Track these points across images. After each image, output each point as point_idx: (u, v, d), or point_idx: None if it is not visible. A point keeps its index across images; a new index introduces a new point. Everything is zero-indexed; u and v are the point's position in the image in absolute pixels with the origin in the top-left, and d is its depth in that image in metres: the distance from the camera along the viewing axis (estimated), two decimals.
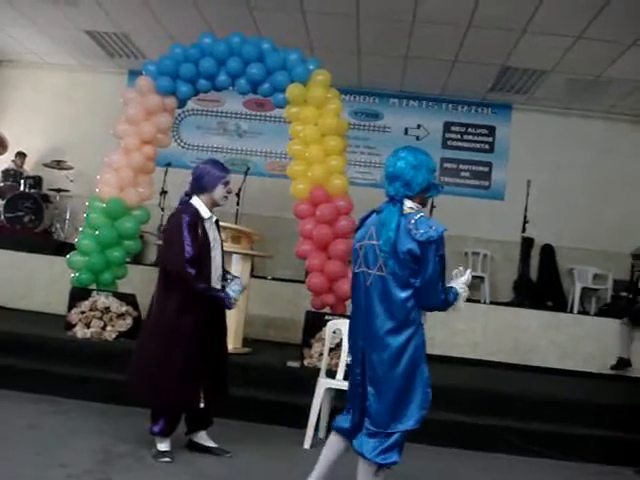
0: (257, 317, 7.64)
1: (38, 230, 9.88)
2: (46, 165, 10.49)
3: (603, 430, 5.59)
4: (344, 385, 4.59)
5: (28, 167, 10.75)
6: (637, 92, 9.77)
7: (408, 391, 3.18)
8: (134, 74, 9.89)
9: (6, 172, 10.30)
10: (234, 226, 6.83)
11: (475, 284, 9.73)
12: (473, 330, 8.00)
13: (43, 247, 9.14)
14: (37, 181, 10.32)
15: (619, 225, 10.07)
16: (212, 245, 4.33)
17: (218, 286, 4.33)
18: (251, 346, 6.85)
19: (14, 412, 4.89)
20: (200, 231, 4.23)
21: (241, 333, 6.69)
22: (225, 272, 4.51)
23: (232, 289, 4.35)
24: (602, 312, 9.04)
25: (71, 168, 10.50)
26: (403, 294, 3.15)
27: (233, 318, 5.98)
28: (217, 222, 4.51)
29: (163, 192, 9.58)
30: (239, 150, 11.23)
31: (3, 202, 9.75)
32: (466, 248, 10.17)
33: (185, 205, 4.34)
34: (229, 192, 4.46)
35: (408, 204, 3.23)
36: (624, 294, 9.34)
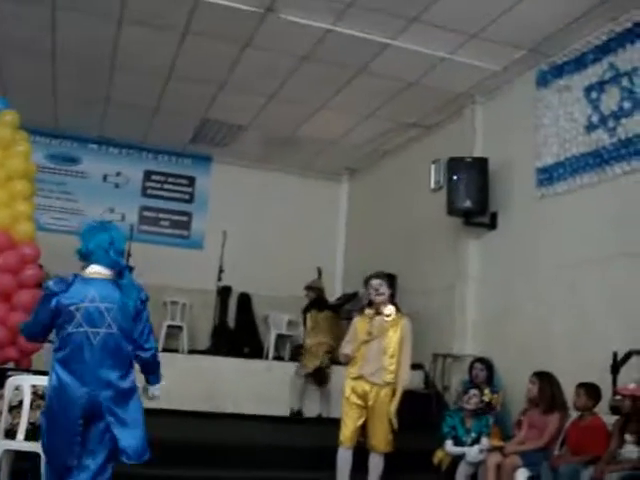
0: None
1: None
2: None
3: (294, 472, 5.84)
4: (26, 447, 4.30)
5: None
6: (326, 151, 10.65)
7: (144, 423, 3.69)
8: None
9: None
10: None
11: (173, 333, 9.71)
12: (167, 379, 7.81)
13: None
14: None
15: (309, 274, 10.66)
16: None
17: None
18: None
19: None
20: None
21: None
22: None
23: None
24: (294, 357, 9.44)
25: None
26: (130, 346, 3.71)
27: None
28: None
29: None
30: None
31: None
32: (165, 297, 10.09)
33: None
34: None
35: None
36: None
